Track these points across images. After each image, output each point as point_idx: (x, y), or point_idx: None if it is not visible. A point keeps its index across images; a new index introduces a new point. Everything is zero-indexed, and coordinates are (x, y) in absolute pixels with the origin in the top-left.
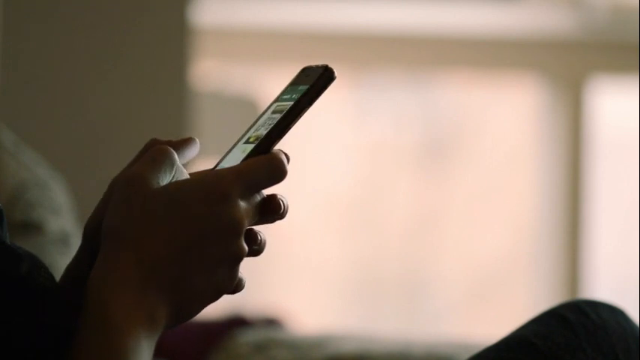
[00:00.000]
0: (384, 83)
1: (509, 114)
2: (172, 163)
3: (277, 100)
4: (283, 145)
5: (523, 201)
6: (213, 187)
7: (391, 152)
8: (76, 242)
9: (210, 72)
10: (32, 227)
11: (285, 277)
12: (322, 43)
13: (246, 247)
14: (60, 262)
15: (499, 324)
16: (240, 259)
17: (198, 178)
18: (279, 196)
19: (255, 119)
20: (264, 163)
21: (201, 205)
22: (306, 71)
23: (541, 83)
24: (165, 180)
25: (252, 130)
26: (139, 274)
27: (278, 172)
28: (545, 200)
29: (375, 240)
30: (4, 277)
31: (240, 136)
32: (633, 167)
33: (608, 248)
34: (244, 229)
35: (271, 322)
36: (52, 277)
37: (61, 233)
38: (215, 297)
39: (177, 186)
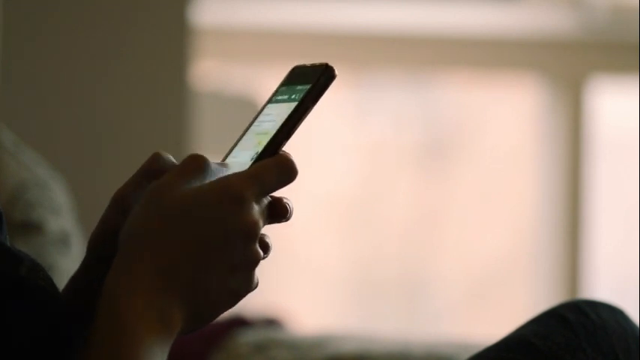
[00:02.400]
0: (384, 83)
1: (509, 114)
2: (203, 171)
3: (272, 101)
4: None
5: (523, 201)
6: (227, 191)
7: (391, 152)
8: (76, 242)
9: (210, 72)
10: (32, 227)
11: (285, 277)
12: (322, 43)
13: (261, 252)
14: (60, 262)
15: (499, 324)
16: (257, 264)
17: (212, 183)
18: (284, 200)
19: (248, 124)
20: (275, 165)
21: (216, 209)
22: (300, 70)
23: (541, 83)
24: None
25: (251, 132)
26: (153, 277)
27: (289, 173)
28: (545, 200)
29: (375, 240)
30: (3, 278)
31: (235, 140)
32: (633, 167)
33: (608, 248)
34: (259, 233)
35: (271, 322)
36: (51, 279)
37: (61, 233)
38: (232, 302)
39: (193, 191)
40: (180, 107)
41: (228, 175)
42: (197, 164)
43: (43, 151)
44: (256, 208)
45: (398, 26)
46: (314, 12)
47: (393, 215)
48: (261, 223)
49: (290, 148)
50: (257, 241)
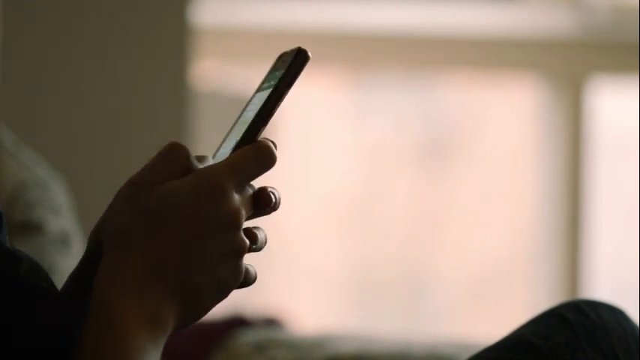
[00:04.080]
0: (384, 83)
1: (509, 114)
2: (180, 160)
3: (259, 89)
4: (279, 138)
5: (523, 201)
6: (207, 182)
7: (391, 152)
8: (76, 242)
9: (210, 72)
10: (32, 227)
11: (285, 277)
12: (322, 43)
13: (247, 241)
14: (60, 262)
15: (499, 324)
16: (243, 253)
17: (192, 175)
18: (269, 189)
19: (240, 112)
20: (253, 152)
21: (197, 202)
22: (282, 57)
23: (541, 83)
24: (172, 179)
25: (238, 123)
26: (141, 274)
27: (267, 159)
28: (545, 200)
29: (375, 240)
30: (3, 278)
31: (227, 131)
32: (633, 167)
33: (608, 248)
34: (243, 222)
35: (271, 322)
36: (51, 280)
37: (61, 233)
38: (222, 293)
39: (174, 185)
40: (180, 107)
41: (209, 166)
42: (171, 154)
43: (43, 151)
44: (237, 197)
45: (398, 26)
46: (314, 12)
47: (393, 215)
48: (243, 211)
49: (290, 148)
50: (241, 230)
